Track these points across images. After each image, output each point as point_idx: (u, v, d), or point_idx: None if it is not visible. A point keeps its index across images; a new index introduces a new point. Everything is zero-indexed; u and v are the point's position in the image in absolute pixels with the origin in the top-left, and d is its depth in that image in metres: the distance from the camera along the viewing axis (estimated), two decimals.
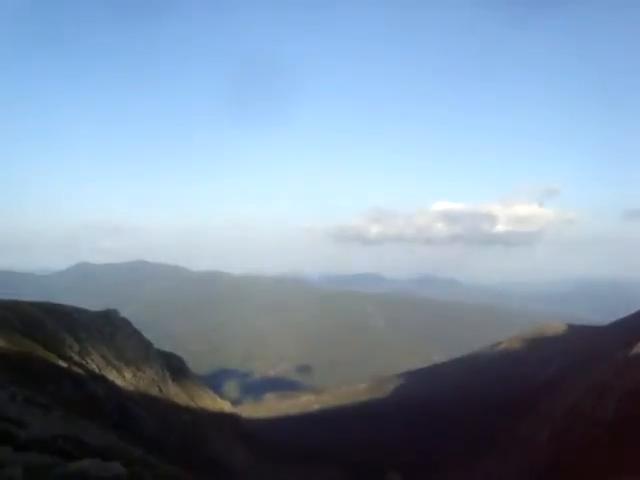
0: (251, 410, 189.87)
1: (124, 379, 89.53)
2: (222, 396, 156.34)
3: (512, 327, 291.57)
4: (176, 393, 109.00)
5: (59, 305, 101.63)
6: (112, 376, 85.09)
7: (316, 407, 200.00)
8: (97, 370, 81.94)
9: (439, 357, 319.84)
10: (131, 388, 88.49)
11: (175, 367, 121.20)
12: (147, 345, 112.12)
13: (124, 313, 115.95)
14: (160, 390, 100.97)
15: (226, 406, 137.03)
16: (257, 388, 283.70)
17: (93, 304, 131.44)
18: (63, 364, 68.99)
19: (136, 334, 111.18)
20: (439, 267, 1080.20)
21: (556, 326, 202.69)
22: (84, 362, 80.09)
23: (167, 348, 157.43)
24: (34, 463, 20.98)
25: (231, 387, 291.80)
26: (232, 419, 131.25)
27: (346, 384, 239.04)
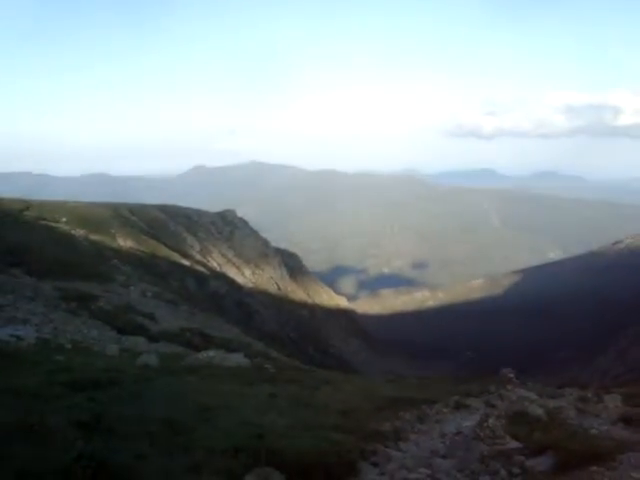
0: (366, 306, 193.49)
1: (244, 276, 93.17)
2: (338, 292, 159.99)
3: (637, 225, 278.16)
4: (293, 289, 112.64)
5: (179, 207, 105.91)
6: (232, 274, 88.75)
7: (431, 303, 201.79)
8: (218, 268, 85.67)
9: (557, 255, 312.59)
10: (250, 285, 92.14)
11: (292, 264, 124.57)
12: (264, 243, 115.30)
13: (240, 214, 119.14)
14: (278, 287, 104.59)
15: (342, 302, 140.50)
16: (372, 285, 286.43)
17: (210, 206, 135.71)
18: (186, 262, 72.66)
19: (254, 233, 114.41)
20: (558, 162, 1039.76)
21: None
22: (205, 260, 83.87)
23: (283, 247, 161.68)
24: (166, 352, 23.06)
25: (346, 284, 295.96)
26: (348, 314, 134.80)
27: (461, 281, 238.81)
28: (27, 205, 69.61)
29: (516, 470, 8.55)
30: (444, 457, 9.76)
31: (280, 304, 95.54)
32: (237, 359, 19.70)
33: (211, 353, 20.33)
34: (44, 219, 63.08)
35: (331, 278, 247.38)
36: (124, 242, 65.46)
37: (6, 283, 31.02)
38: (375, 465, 9.13)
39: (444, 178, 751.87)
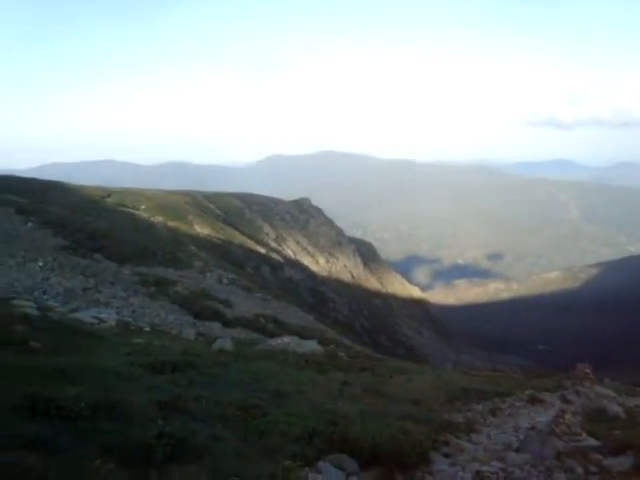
0: (440, 296, 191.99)
1: (318, 264, 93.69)
2: (412, 282, 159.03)
3: None
4: (367, 278, 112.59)
5: (256, 195, 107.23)
6: (306, 262, 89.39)
7: (505, 295, 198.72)
8: (292, 256, 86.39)
9: (637, 248, 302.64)
10: (324, 273, 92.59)
11: (366, 253, 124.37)
12: (339, 232, 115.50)
13: (315, 202, 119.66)
14: (352, 275, 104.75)
15: (415, 292, 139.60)
16: (446, 275, 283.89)
17: (285, 194, 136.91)
18: (261, 250, 73.57)
19: (328, 222, 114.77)
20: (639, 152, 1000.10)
21: None
22: (280, 248, 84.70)
23: (358, 236, 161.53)
24: (240, 338, 23.47)
25: (421, 274, 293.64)
26: (421, 304, 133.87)
27: (537, 273, 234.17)
28: (108, 192, 71.87)
29: (593, 469, 8.35)
30: (517, 451, 9.61)
31: (354, 293, 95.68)
32: (311, 346, 19.87)
33: (285, 339, 20.58)
34: (124, 206, 64.95)
35: (405, 268, 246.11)
36: (201, 229, 66.74)
37: (89, 267, 32.15)
38: (447, 456, 9.09)
39: (520, 168, 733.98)
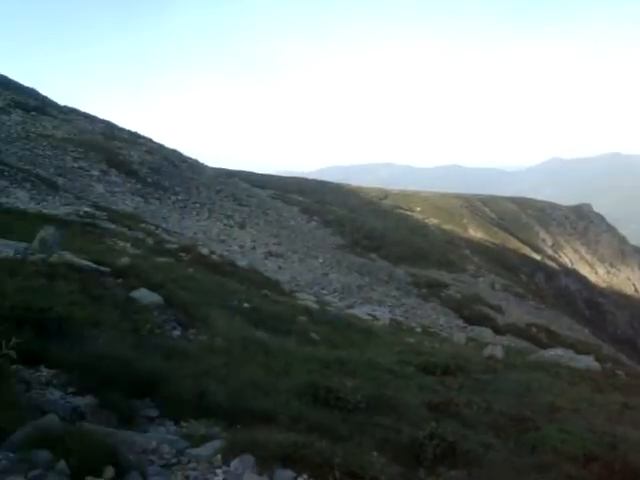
0: None
1: (597, 275, 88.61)
2: None
3: None
4: None
5: (532, 200, 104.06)
6: (584, 271, 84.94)
7: None
8: (569, 264, 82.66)
9: None
10: (604, 285, 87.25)
11: None
12: (622, 241, 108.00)
13: (597, 208, 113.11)
14: (635, 289, 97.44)
15: None
16: None
17: (565, 199, 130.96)
18: (536, 256, 71.33)
19: (610, 229, 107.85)
20: None
21: None
22: (556, 256, 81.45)
23: None
24: (511, 345, 23.00)
25: None
26: None
27: None
28: (385, 194, 74.51)
29: None
30: None
31: (636, 307, 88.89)
32: (586, 362, 18.82)
33: (559, 352, 19.75)
34: (400, 208, 66.84)
35: None
36: (475, 233, 66.50)
37: (364, 266, 33.66)
38: None
39: None
